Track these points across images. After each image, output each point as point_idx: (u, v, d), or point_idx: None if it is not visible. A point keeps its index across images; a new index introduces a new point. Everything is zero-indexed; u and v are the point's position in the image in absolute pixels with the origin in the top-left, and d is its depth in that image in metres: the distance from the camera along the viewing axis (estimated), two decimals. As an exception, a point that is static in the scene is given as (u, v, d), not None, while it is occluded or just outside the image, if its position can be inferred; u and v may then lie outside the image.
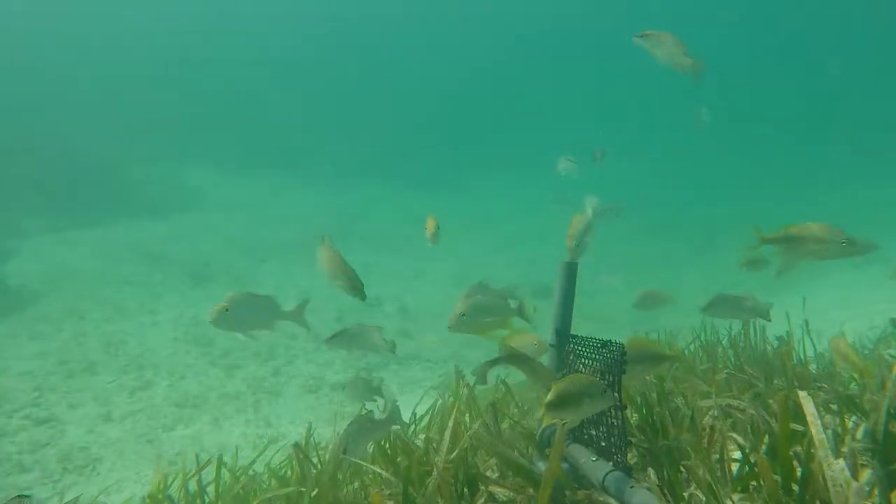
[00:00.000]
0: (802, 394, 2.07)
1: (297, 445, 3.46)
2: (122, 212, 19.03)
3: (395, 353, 4.76)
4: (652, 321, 7.53)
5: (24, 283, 13.02)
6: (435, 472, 2.52)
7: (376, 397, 5.58)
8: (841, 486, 1.77)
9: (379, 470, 2.94)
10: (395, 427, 3.45)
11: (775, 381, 3.64)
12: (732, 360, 4.44)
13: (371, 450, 3.48)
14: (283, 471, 4.09)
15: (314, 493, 2.87)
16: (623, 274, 12.06)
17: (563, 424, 2.48)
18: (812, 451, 2.10)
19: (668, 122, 19.09)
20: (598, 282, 11.16)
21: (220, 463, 3.86)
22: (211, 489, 3.80)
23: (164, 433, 7.90)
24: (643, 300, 6.78)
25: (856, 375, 3.64)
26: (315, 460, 3.58)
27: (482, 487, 2.69)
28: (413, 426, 4.49)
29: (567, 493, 2.52)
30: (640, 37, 4.74)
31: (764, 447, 2.55)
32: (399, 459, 3.05)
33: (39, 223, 16.79)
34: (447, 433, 2.85)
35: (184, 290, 14.00)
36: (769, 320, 4.70)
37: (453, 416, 3.05)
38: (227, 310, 3.95)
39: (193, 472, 3.81)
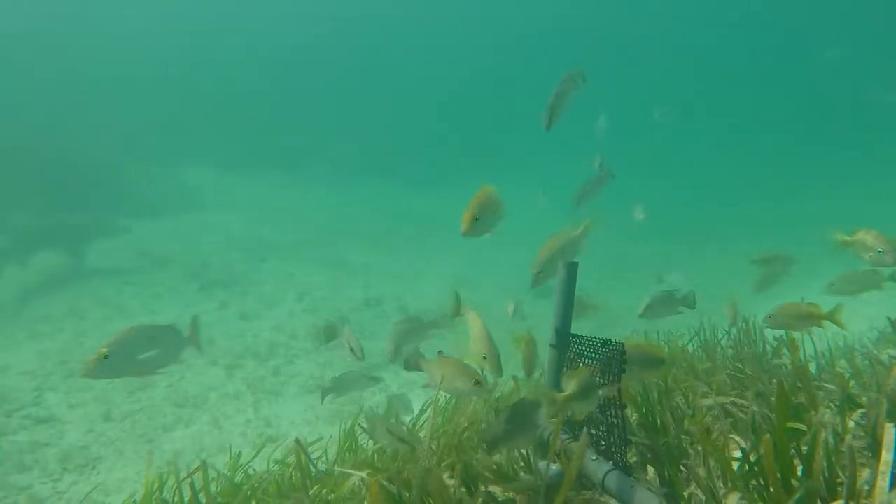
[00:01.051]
0: (888, 426, 2.10)
1: (297, 442, 3.45)
2: (122, 212, 19.03)
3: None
4: (652, 322, 7.54)
5: (25, 283, 13.04)
6: (421, 469, 2.51)
7: (340, 343, 5.57)
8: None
9: (362, 474, 2.92)
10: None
11: (774, 381, 3.64)
12: (732, 359, 4.44)
13: (371, 451, 3.48)
14: (282, 470, 4.08)
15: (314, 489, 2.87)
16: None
17: (582, 429, 2.47)
18: (815, 451, 2.10)
19: (667, 122, 19.07)
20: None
21: (205, 468, 3.75)
22: (210, 488, 3.77)
23: (164, 433, 7.90)
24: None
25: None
26: (315, 455, 3.58)
27: (481, 487, 2.69)
28: (416, 423, 4.49)
29: (570, 492, 2.51)
30: (549, 125, 4.72)
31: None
32: (382, 461, 3.04)
33: (39, 223, 16.77)
34: (428, 428, 2.84)
35: (184, 290, 14.00)
36: (694, 308, 4.69)
37: (432, 410, 3.04)
38: (106, 356, 3.22)
39: (184, 476, 3.72)
